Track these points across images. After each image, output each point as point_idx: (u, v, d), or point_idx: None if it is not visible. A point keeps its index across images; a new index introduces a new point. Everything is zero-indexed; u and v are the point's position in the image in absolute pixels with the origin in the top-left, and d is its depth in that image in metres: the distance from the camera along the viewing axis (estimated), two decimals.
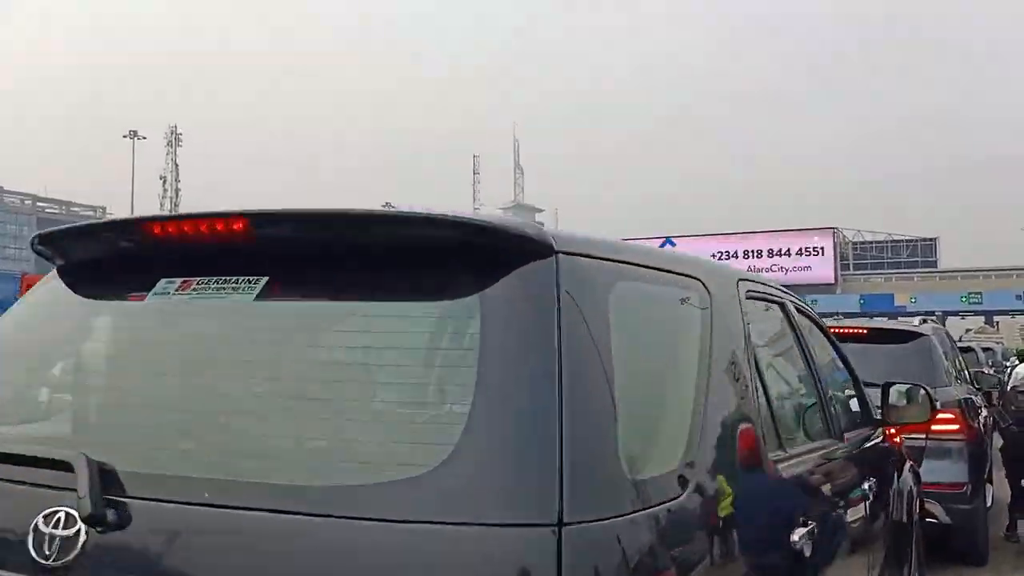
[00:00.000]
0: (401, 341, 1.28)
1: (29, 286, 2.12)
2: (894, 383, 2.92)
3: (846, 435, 2.38)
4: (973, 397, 5.89)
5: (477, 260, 1.23)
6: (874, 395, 3.04)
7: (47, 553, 1.13)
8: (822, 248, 53.79)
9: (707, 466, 1.33)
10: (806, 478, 1.87)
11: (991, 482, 6.54)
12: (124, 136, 66.20)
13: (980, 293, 47.04)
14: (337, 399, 1.24)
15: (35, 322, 1.58)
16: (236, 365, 1.34)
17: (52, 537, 1.13)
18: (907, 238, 56.43)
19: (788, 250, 53.86)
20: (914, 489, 3.34)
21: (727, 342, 1.57)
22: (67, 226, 1.55)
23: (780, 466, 1.66)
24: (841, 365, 2.86)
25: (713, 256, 52.16)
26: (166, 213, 1.70)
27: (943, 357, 5.48)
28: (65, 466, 1.16)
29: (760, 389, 1.70)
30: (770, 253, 53.89)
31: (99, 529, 1.12)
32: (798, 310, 2.39)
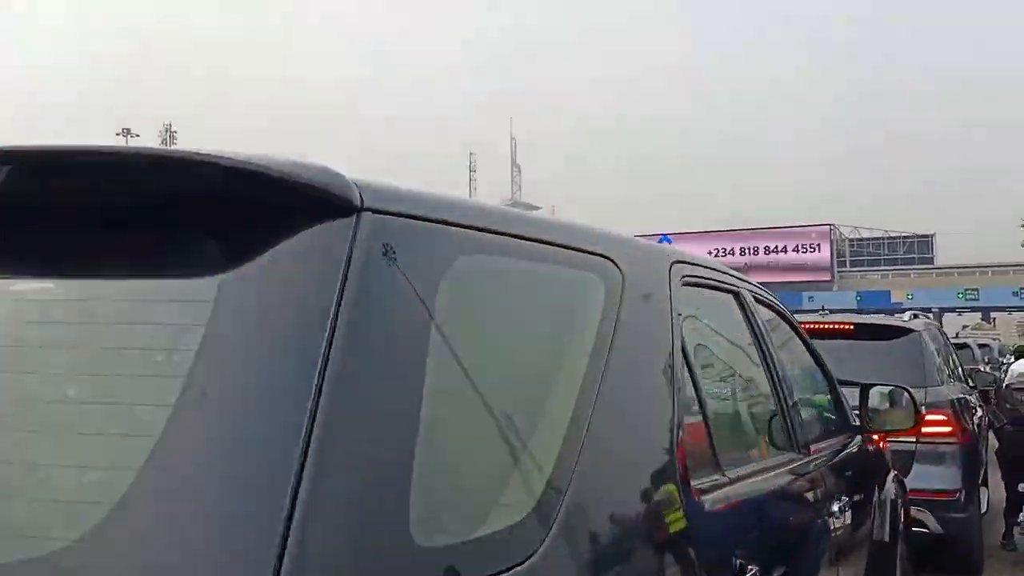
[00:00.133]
0: (106, 338, 0.86)
1: None
2: (874, 385, 2.58)
3: (814, 447, 2.04)
4: (967, 396, 5.56)
5: (233, 220, 0.84)
6: (853, 396, 2.71)
7: None
8: (819, 245, 53.50)
9: (580, 510, 0.96)
10: (750, 507, 1.52)
11: (986, 485, 6.21)
12: (117, 134, 65.79)
13: (977, 290, 46.81)
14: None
15: None
16: None
17: None
18: (904, 235, 56.18)
19: (785, 247, 53.57)
20: (899, 502, 3.01)
21: (641, 340, 1.24)
22: None
23: (711, 496, 1.31)
24: (814, 365, 2.52)
25: (710, 254, 52.12)
26: None
27: (934, 354, 5.14)
28: None
29: (693, 398, 1.37)
30: (767, 250, 53.59)
31: None
32: (758, 301, 2.05)
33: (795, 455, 1.86)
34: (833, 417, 2.51)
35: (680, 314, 1.40)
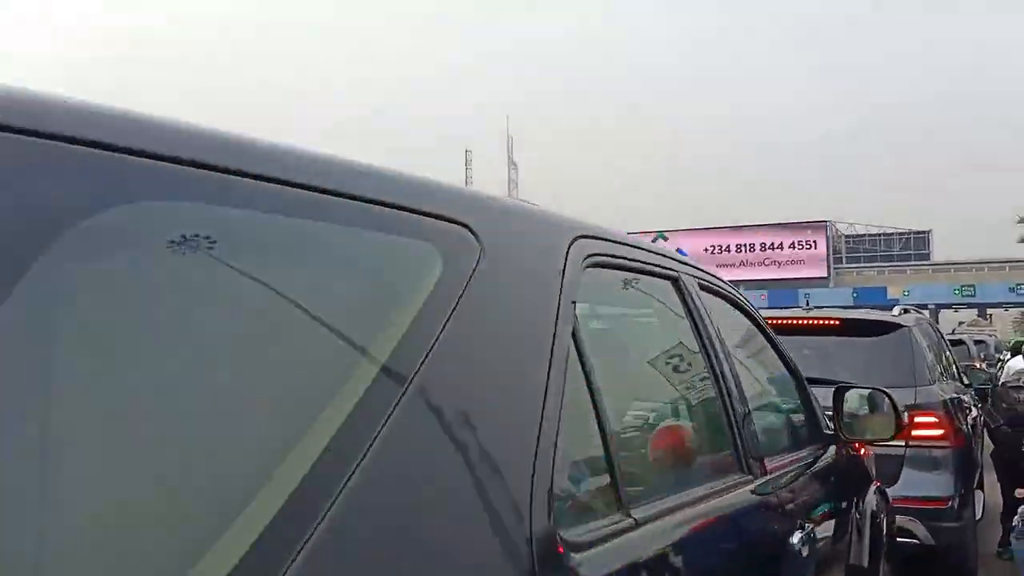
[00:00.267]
0: None
1: None
2: (850, 387, 2.25)
3: (772, 463, 1.70)
4: (961, 396, 5.23)
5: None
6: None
7: None
8: (815, 242, 53.23)
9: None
10: (663, 562, 1.13)
11: (982, 489, 5.88)
12: None
13: (973, 286, 46.58)
14: None
15: None
16: None
17: None
18: (900, 231, 55.96)
19: (781, 244, 53.30)
20: (882, 516, 2.68)
21: (497, 332, 0.91)
22: None
23: (598, 551, 0.92)
24: (781, 366, 2.19)
25: (705, 251, 51.92)
26: None
27: (925, 351, 4.81)
28: None
29: (585, 410, 1.04)
30: (763, 247, 53.31)
31: None
32: (707, 290, 1.72)
33: (743, 477, 1.52)
34: (801, 425, 2.18)
35: (574, 301, 1.07)
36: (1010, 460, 4.98)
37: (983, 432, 5.54)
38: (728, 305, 1.91)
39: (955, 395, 4.97)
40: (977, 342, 16.08)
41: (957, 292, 46.25)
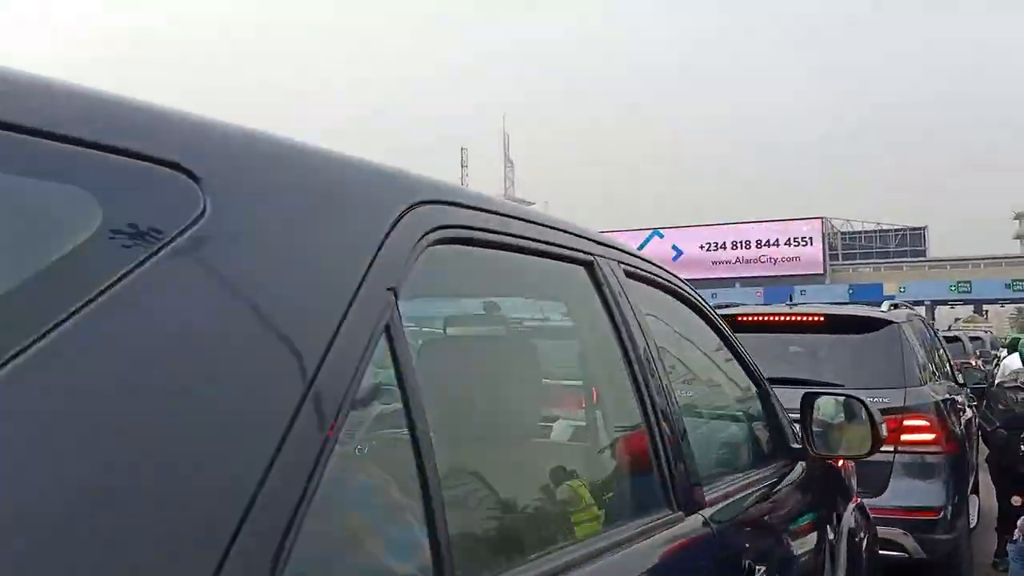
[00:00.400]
0: None
1: None
2: (820, 394, 1.92)
3: (715, 493, 1.38)
4: (955, 397, 4.91)
5: None
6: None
7: None
8: (811, 238, 52.98)
9: None
10: None
11: (977, 493, 5.57)
12: None
13: (969, 282, 46.38)
14: None
15: None
16: None
17: None
18: (896, 227, 55.76)
19: (777, 241, 53.05)
20: (862, 537, 2.36)
21: (209, 317, 0.58)
22: None
23: None
24: (738, 370, 1.86)
25: (701, 248, 51.71)
26: None
27: (916, 349, 4.50)
28: None
29: (400, 437, 0.72)
30: (759, 244, 53.05)
31: None
32: (638, 278, 1.40)
33: (667, 516, 1.19)
34: (762, 440, 1.85)
35: (393, 289, 0.74)
36: (1007, 465, 4.66)
37: (978, 434, 5.22)
38: (670, 299, 1.59)
39: (948, 396, 4.65)
40: (973, 339, 15.78)
41: (953, 288, 46.13)
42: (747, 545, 1.40)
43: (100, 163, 0.57)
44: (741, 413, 1.89)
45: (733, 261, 52.78)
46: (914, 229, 55.93)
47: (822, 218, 54.64)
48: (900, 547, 3.91)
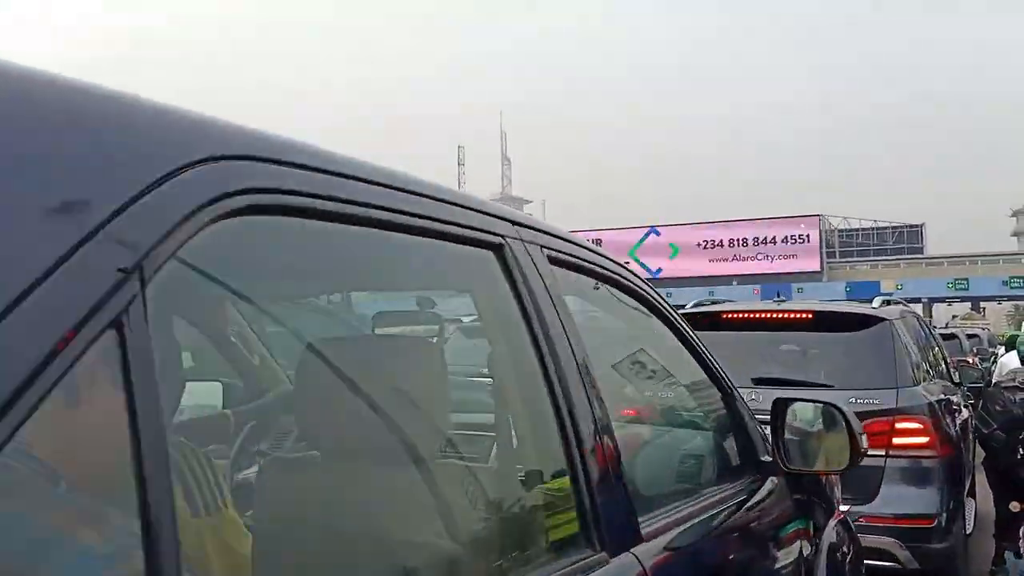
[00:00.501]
0: None
1: None
2: (793, 399, 1.69)
3: (655, 523, 1.15)
4: (950, 397, 4.69)
5: None
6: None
7: None
8: (808, 236, 52.81)
9: None
10: None
11: (974, 496, 5.36)
12: None
13: (966, 279, 46.27)
14: None
15: None
16: None
17: None
18: (893, 225, 55.61)
19: (774, 238, 52.88)
20: (844, 553, 2.14)
21: None
22: None
23: None
24: (697, 373, 1.63)
25: (698, 245, 51.60)
26: None
27: (909, 347, 4.27)
28: None
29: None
30: (756, 241, 52.88)
31: None
32: (568, 266, 1.18)
33: (589, 557, 0.95)
34: (726, 453, 1.63)
35: (126, 269, 0.52)
36: (1005, 469, 4.43)
37: (974, 436, 4.99)
38: (613, 292, 1.36)
39: (943, 396, 4.43)
40: (970, 336, 15.57)
41: (950, 286, 46.07)
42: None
43: None
44: (701, 424, 1.67)
45: (730, 259, 52.68)
46: (911, 226, 55.84)
47: (819, 216, 54.54)
48: (892, 557, 3.70)
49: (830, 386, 4.00)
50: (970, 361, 10.51)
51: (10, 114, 0.53)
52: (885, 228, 56.04)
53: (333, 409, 0.95)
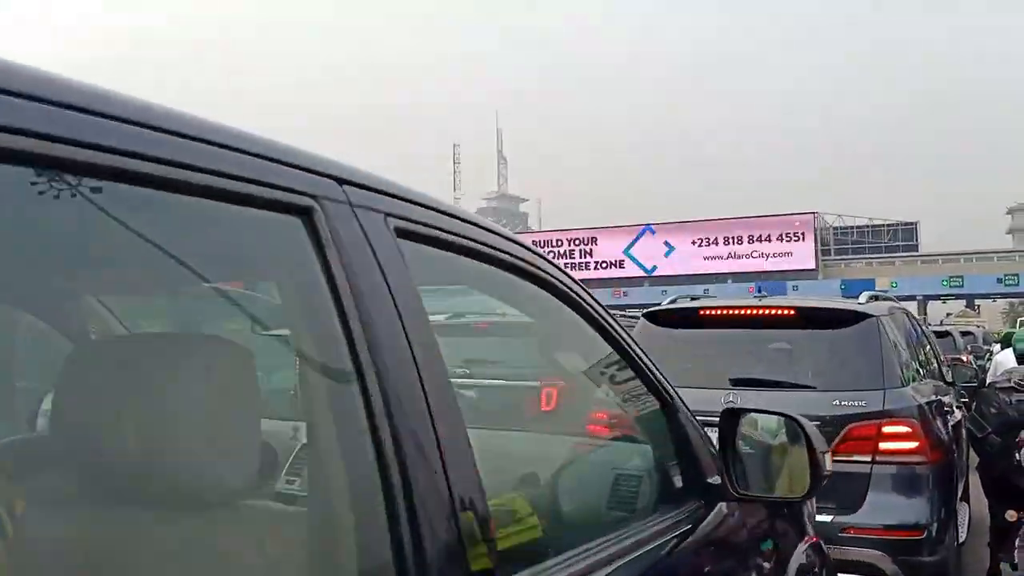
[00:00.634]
0: None
1: None
2: (745, 410, 1.41)
3: (571, 567, 0.87)
4: (942, 398, 4.43)
5: None
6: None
7: None
8: (803, 234, 52.66)
9: None
10: None
11: (968, 500, 5.10)
12: None
13: (961, 277, 46.17)
14: None
15: None
16: None
17: None
18: (888, 222, 55.52)
19: (769, 236, 52.72)
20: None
21: None
22: None
23: None
24: (632, 376, 1.35)
25: (693, 243, 51.38)
26: None
27: (898, 346, 4.01)
28: None
29: None
30: (751, 240, 52.70)
31: None
32: (420, 238, 0.88)
33: None
34: (666, 476, 1.35)
35: None
36: (1001, 475, 4.16)
37: (968, 439, 4.72)
38: (507, 279, 1.08)
39: (934, 397, 4.17)
40: (964, 334, 15.29)
41: (945, 283, 46.00)
42: None
43: None
44: (634, 439, 1.39)
45: (725, 256, 52.57)
46: (906, 224, 55.80)
47: (814, 213, 54.44)
48: (880, 571, 3.43)
49: (812, 387, 3.74)
50: (964, 359, 10.26)
51: None
52: (880, 226, 55.95)
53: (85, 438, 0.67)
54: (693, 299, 4.77)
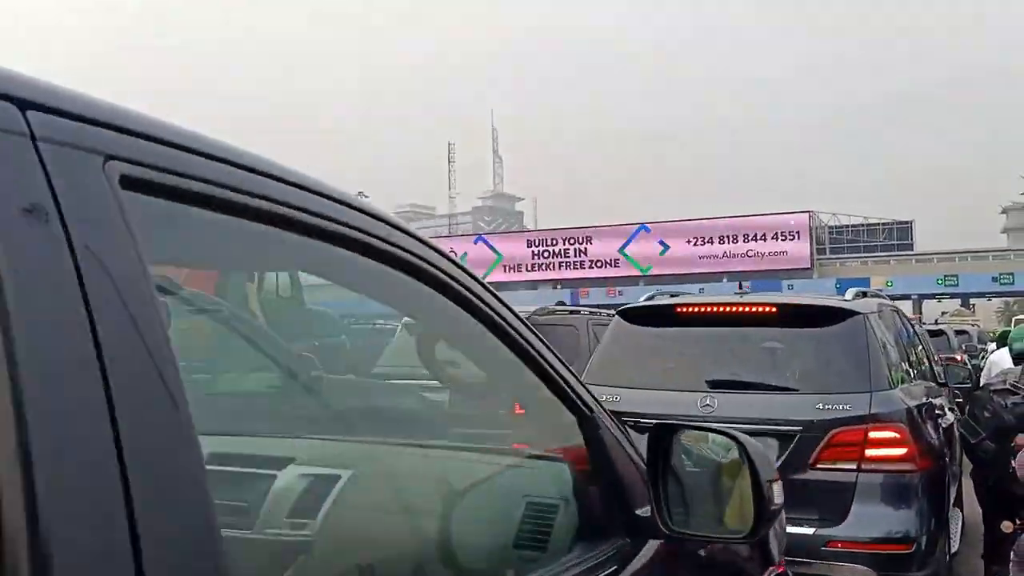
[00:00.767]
0: None
1: None
2: (681, 426, 1.15)
3: None
4: (933, 400, 4.19)
5: None
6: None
7: None
8: (798, 232, 52.53)
9: None
10: None
11: (961, 506, 4.85)
12: None
13: (956, 276, 46.11)
14: None
15: None
16: None
17: None
18: (883, 221, 55.43)
19: (764, 235, 52.59)
20: None
21: None
22: None
23: None
24: (542, 387, 1.08)
25: (688, 242, 51.19)
26: None
27: (886, 346, 3.76)
28: None
29: None
30: (746, 238, 52.55)
31: None
32: (182, 196, 0.61)
33: None
34: (585, 507, 1.08)
35: None
36: (995, 483, 3.92)
37: (961, 445, 4.48)
38: (354, 260, 0.83)
39: (925, 400, 3.93)
40: (959, 332, 15.06)
41: (940, 282, 45.96)
42: None
43: None
44: (543, 463, 1.13)
45: (720, 255, 52.49)
46: (901, 223, 55.77)
47: (809, 212, 54.35)
48: None
49: (795, 390, 3.50)
50: (958, 359, 10.04)
51: None
52: (875, 225, 55.89)
53: None
54: (673, 296, 4.52)
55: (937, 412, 4.12)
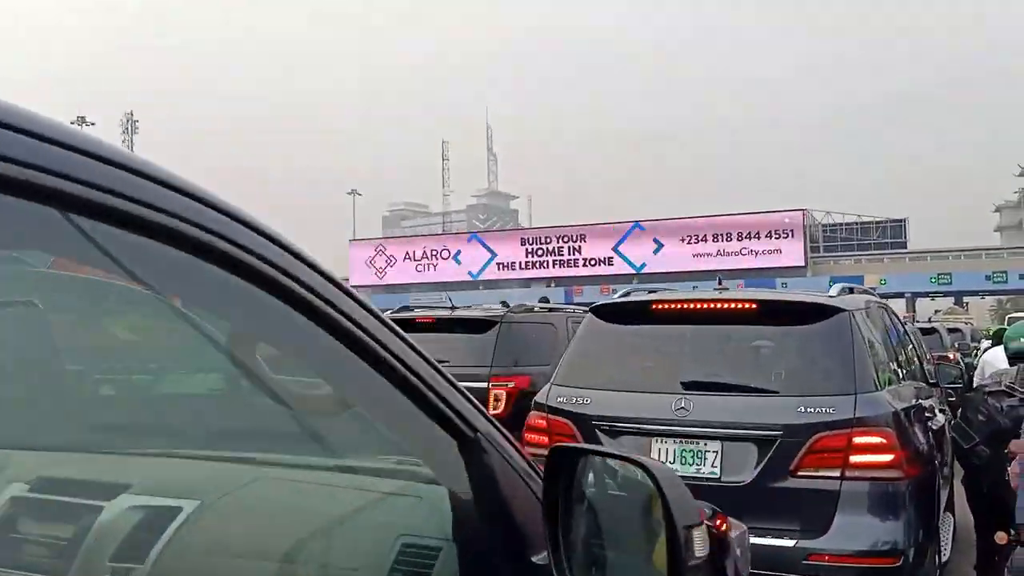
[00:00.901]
0: None
1: None
2: (585, 451, 0.90)
3: None
4: (923, 401, 3.98)
5: None
6: None
7: None
8: (792, 231, 52.43)
9: None
10: None
11: (952, 511, 4.65)
12: (71, 122, 62.94)
13: (950, 274, 46.13)
14: None
15: None
16: None
17: None
18: (877, 219, 55.40)
19: (758, 233, 52.48)
20: None
21: None
22: None
23: None
24: (406, 403, 0.84)
25: (682, 241, 51.00)
26: None
27: (873, 345, 3.55)
28: None
29: None
30: (740, 236, 52.43)
31: None
32: None
33: None
34: (455, 555, 0.85)
35: None
36: (989, 490, 3.71)
37: (953, 450, 4.27)
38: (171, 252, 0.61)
39: (914, 402, 3.72)
40: (951, 331, 14.84)
41: (934, 280, 45.99)
42: None
43: None
44: (413, 494, 0.91)
45: (714, 254, 52.42)
46: (895, 221, 55.77)
47: (803, 210, 54.29)
48: None
49: (775, 392, 3.29)
50: (950, 357, 9.86)
51: None
52: (869, 223, 55.87)
53: None
54: (651, 292, 4.31)
55: (927, 414, 3.92)
